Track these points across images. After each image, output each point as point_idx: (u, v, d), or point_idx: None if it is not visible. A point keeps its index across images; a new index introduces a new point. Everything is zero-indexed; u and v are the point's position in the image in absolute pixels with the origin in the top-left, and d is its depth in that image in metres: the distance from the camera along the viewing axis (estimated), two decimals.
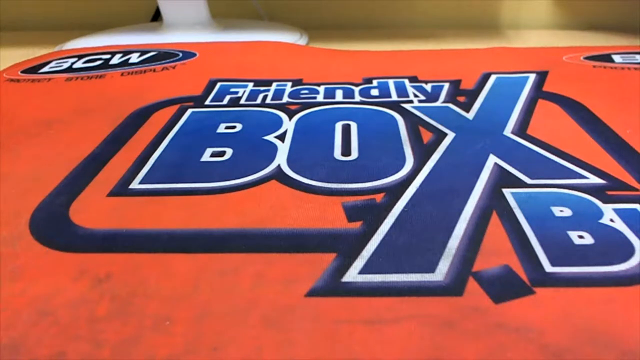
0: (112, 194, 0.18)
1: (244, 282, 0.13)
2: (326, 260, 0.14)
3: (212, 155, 0.20)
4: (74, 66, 0.33)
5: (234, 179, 0.18)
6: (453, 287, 0.13)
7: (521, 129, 0.22)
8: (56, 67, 0.33)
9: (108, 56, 0.34)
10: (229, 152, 0.21)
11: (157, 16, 0.50)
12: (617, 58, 0.31)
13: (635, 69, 0.29)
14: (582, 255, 0.14)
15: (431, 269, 0.14)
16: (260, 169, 0.19)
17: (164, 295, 0.13)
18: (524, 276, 0.13)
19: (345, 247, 0.15)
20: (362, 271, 0.14)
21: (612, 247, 0.14)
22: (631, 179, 0.18)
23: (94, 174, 0.19)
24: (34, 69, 0.32)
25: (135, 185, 0.18)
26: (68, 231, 0.16)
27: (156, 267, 0.14)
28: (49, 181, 0.19)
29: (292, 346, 0.12)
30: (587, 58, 0.32)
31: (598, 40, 0.42)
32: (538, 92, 0.26)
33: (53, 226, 0.16)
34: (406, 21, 0.50)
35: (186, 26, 0.40)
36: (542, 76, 0.28)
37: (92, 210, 0.17)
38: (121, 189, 0.18)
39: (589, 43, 0.41)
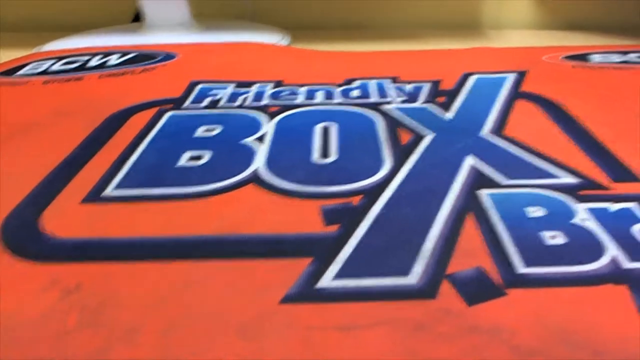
0: (86, 200, 0.18)
1: (217, 290, 0.13)
2: (302, 265, 0.14)
3: (190, 159, 0.20)
4: (52, 68, 0.32)
5: (211, 183, 0.18)
6: (426, 290, 0.13)
7: (498, 129, 0.22)
8: (33, 69, 0.32)
9: (87, 58, 0.34)
10: (207, 155, 0.20)
11: (138, 17, 0.49)
12: (595, 57, 0.32)
13: (614, 68, 0.30)
14: (554, 255, 0.14)
15: (405, 271, 0.14)
16: (238, 173, 0.19)
17: (134, 305, 0.13)
18: (497, 277, 0.13)
19: (321, 251, 0.15)
20: (337, 276, 0.14)
21: (584, 246, 0.14)
22: (604, 178, 0.18)
23: (69, 180, 0.19)
24: (10, 72, 0.32)
25: (110, 190, 0.18)
26: (39, 240, 0.15)
27: (127, 276, 0.14)
28: (22, 188, 0.18)
29: (265, 355, 0.11)
30: (566, 58, 0.32)
31: (578, 40, 0.42)
32: (516, 92, 0.26)
33: (24, 235, 0.16)
34: (388, 21, 0.50)
35: (167, 27, 0.40)
36: (521, 76, 0.29)
37: (64, 217, 0.17)
38: (95, 195, 0.18)
39: (569, 43, 0.42)
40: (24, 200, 0.18)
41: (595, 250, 0.14)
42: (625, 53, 0.32)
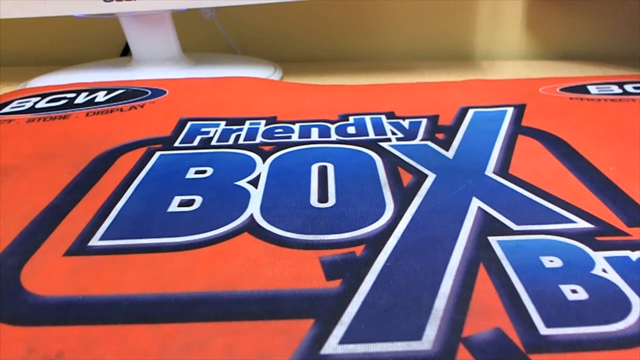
0: (69, 252, 0.16)
1: (212, 357, 0.12)
2: (303, 327, 0.13)
3: (180, 204, 0.19)
4: (37, 106, 0.31)
5: (203, 232, 0.17)
6: (442, 357, 0.12)
7: (503, 168, 0.21)
8: (18, 107, 0.31)
9: (73, 95, 0.33)
10: (198, 200, 0.19)
11: (127, 51, 0.49)
12: (592, 89, 0.31)
13: (612, 100, 0.29)
14: (577, 313, 0.13)
15: (418, 335, 0.12)
16: (231, 220, 0.18)
17: None
18: (517, 340, 0.12)
19: (324, 311, 0.13)
20: (343, 340, 0.12)
21: (608, 302, 0.13)
22: (620, 222, 0.17)
23: (51, 230, 0.18)
24: None
25: (95, 242, 0.17)
26: (18, 299, 0.14)
27: (114, 341, 0.13)
28: (1, 238, 0.17)
29: None
30: (563, 89, 0.31)
31: (572, 71, 0.42)
32: (517, 127, 0.26)
33: (2, 293, 0.14)
34: (380, 53, 0.50)
35: (156, 61, 0.39)
36: (520, 110, 0.28)
37: (46, 272, 0.15)
38: (79, 247, 0.17)
39: (563, 73, 0.41)
40: (3, 252, 0.16)
41: (620, 306, 0.13)
42: (622, 84, 0.32)
